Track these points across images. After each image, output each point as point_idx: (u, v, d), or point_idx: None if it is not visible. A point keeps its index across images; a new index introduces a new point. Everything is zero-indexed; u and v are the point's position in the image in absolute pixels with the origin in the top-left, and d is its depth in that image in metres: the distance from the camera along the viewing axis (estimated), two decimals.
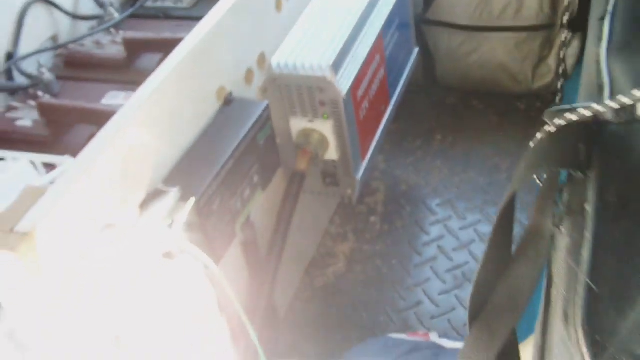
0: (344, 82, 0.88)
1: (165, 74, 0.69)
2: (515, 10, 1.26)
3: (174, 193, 0.60)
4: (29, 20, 1.02)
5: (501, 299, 0.41)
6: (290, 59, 0.87)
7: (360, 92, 0.94)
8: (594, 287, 0.33)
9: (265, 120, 0.78)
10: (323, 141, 0.92)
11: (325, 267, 1.11)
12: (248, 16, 0.82)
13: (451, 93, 1.38)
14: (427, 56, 1.34)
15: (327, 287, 1.08)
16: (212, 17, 0.77)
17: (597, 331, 0.32)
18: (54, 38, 1.08)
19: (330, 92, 0.87)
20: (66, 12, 1.08)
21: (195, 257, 0.58)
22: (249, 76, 0.84)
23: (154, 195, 0.61)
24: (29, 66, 1.01)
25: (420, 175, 1.25)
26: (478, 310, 0.43)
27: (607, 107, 0.39)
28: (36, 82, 0.99)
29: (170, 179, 0.66)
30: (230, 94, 0.79)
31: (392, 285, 1.06)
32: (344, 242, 1.15)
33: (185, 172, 0.68)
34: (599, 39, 0.50)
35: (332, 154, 0.94)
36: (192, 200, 0.59)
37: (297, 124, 0.92)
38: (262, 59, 0.87)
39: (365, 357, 0.81)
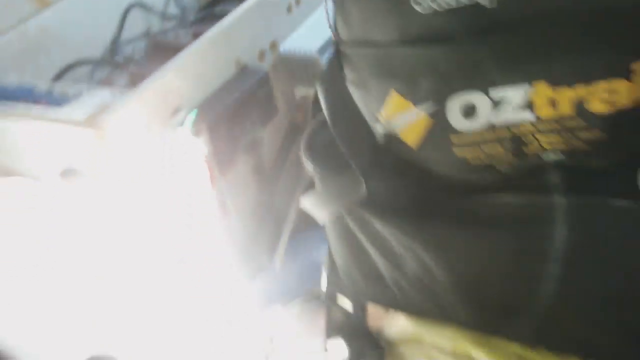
0: None
1: (200, 46, 1.13)
2: None
3: (189, 109, 1.03)
4: (129, 17, 1.50)
5: None
6: (293, 46, 1.29)
7: None
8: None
9: (264, 80, 1.20)
10: None
11: None
12: (264, 14, 1.25)
13: None
14: None
15: None
16: (236, 13, 1.20)
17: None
18: (147, 30, 1.56)
19: (318, 68, 1.27)
20: (156, 12, 1.55)
21: (198, 146, 1.01)
22: (261, 55, 1.26)
23: (178, 109, 1.04)
24: (127, 50, 1.49)
25: None
26: None
27: None
28: (131, 60, 1.46)
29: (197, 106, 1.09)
30: (245, 65, 1.22)
31: None
32: None
33: (206, 102, 1.11)
34: None
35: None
36: (195, 110, 1.02)
37: (300, 91, 1.33)
38: (273, 45, 1.29)
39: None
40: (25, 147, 1.07)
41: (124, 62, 1.46)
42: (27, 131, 1.05)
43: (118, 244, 1.02)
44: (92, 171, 1.02)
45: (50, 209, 1.02)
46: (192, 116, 1.00)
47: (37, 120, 1.02)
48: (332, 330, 0.75)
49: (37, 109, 1.05)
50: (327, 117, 0.65)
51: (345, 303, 0.81)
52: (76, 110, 1.02)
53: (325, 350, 0.71)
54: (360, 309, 0.80)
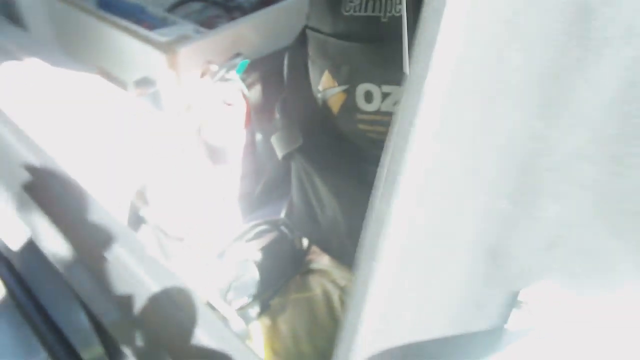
0: None
1: (275, 10, 1.36)
2: None
3: (246, 58, 1.27)
4: None
5: None
6: None
7: None
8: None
9: None
10: None
11: None
12: None
13: None
14: None
15: None
16: None
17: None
18: None
19: None
20: None
21: (242, 89, 1.24)
22: None
23: (237, 55, 1.28)
24: None
25: None
26: None
27: None
28: (240, 7, 1.72)
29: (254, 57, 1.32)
30: None
31: None
32: None
33: (266, 56, 1.34)
34: None
35: None
36: (247, 61, 1.25)
37: None
38: None
39: None
40: (121, 55, 1.37)
41: (233, 7, 1.72)
42: (122, 42, 1.33)
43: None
44: (162, 85, 1.30)
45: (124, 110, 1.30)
46: (244, 64, 1.24)
47: (130, 35, 1.30)
48: (269, 251, 0.96)
49: (135, 27, 1.33)
50: (285, 81, 0.86)
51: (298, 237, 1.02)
52: (161, 36, 1.29)
53: (246, 261, 0.93)
54: (308, 245, 1.01)
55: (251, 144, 1.34)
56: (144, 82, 1.30)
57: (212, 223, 1.19)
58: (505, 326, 0.39)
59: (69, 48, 1.53)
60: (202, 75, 1.28)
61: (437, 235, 0.40)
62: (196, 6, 1.71)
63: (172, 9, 1.68)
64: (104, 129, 1.17)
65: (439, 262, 0.41)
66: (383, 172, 0.41)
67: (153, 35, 1.30)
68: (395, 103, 0.73)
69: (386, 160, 0.41)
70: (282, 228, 1.01)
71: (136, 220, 1.11)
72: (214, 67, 1.27)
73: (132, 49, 1.33)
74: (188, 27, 1.37)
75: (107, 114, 1.23)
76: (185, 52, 1.25)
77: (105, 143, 1.13)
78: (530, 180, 0.36)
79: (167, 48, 1.25)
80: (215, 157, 1.34)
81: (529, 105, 0.35)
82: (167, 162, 1.22)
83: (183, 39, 1.27)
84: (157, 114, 1.28)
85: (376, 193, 0.41)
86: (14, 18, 1.54)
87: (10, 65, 1.33)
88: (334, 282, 0.89)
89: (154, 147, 1.21)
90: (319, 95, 0.82)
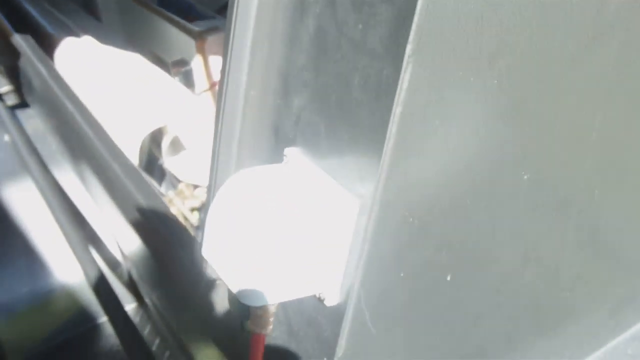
0: None
1: None
2: None
3: None
4: None
5: None
6: None
7: None
8: None
9: None
10: None
11: None
12: None
13: None
14: None
15: None
16: None
17: None
18: None
19: None
20: None
21: None
22: None
23: None
24: None
25: None
26: None
27: None
28: None
29: None
30: None
31: None
32: None
33: None
34: None
35: None
36: None
37: None
38: None
39: None
40: (167, 42, 1.72)
41: None
42: (169, 31, 1.69)
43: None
44: (193, 66, 1.64)
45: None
46: None
47: (173, 25, 1.66)
48: None
49: (179, 19, 1.68)
50: None
51: None
52: (196, 27, 1.63)
53: None
54: None
55: None
56: (179, 62, 1.65)
57: None
58: None
59: (131, 35, 1.90)
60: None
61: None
62: None
63: (220, 10, 2.02)
64: (134, 86, 1.51)
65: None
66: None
67: (190, 25, 1.65)
68: None
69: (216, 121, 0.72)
70: None
71: (151, 165, 1.44)
72: None
73: (174, 37, 1.68)
74: (221, 22, 1.71)
75: (140, 79, 1.58)
76: (212, 40, 1.58)
77: (131, 92, 1.48)
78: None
79: (198, 36, 1.59)
80: None
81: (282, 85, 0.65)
82: (189, 119, 1.55)
83: (212, 30, 1.61)
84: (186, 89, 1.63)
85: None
86: (91, 11, 1.94)
87: (80, 47, 1.71)
88: None
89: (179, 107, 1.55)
90: None
